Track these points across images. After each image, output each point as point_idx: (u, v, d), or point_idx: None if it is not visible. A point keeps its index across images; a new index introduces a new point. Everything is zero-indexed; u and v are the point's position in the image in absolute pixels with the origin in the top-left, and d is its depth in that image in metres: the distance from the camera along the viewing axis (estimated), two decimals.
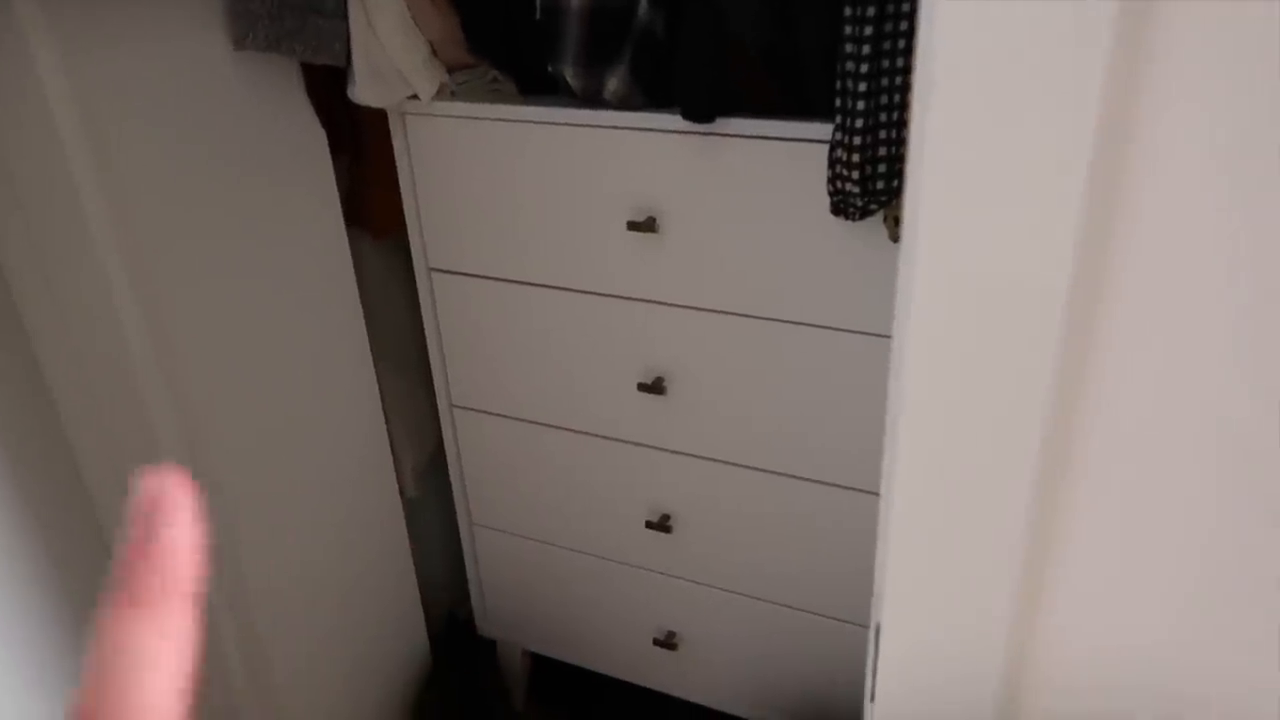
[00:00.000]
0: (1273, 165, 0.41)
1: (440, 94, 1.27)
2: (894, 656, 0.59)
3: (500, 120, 1.25)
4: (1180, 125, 0.41)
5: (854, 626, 1.38)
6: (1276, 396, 0.45)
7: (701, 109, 1.10)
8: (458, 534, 1.65)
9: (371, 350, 1.44)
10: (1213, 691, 0.53)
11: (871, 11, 0.94)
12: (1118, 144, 0.42)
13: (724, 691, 1.56)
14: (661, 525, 1.42)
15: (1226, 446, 0.47)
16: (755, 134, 1.12)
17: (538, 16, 1.16)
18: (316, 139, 1.28)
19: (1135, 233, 0.44)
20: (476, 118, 1.26)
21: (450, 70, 1.28)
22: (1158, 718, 0.55)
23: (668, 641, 1.53)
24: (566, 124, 1.21)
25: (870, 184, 1.02)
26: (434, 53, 1.25)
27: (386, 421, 1.51)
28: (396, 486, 1.56)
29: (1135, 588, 0.52)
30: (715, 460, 1.35)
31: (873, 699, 0.62)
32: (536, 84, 1.25)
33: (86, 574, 1.11)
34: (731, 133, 1.13)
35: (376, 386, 1.47)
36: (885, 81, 0.98)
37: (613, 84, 1.14)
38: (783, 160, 1.11)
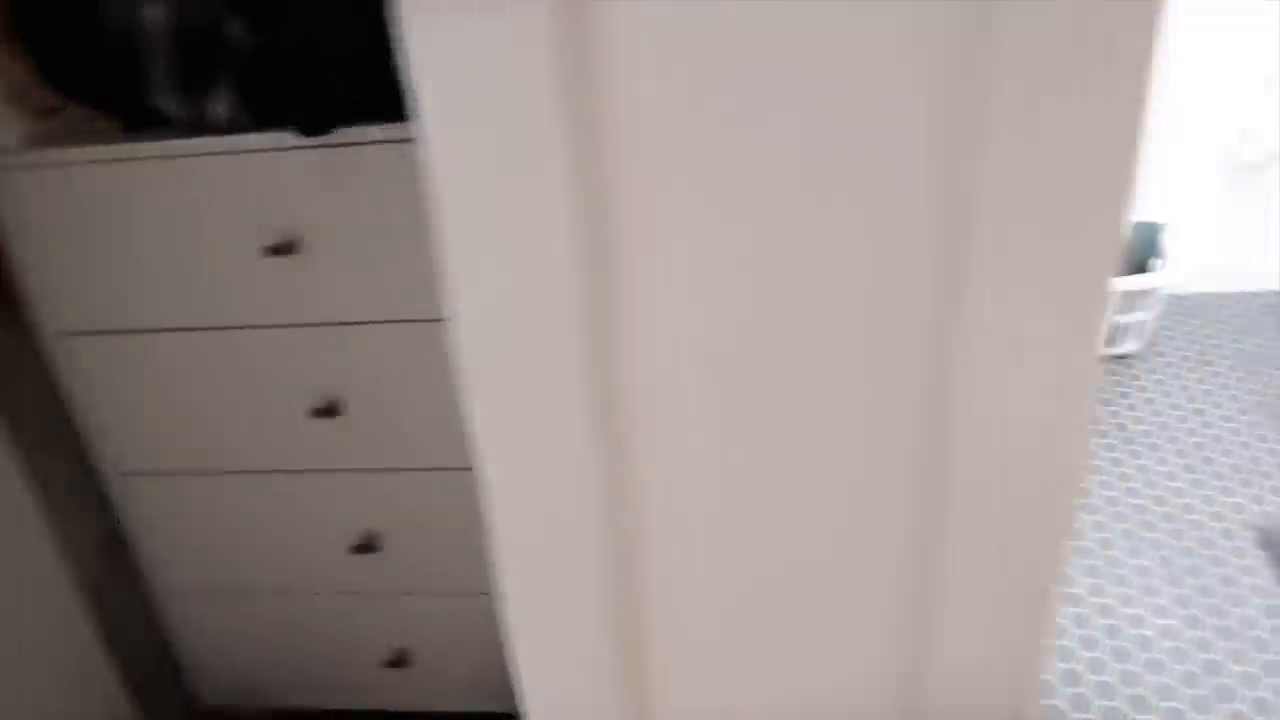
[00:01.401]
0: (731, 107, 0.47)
1: (37, 143, 1.17)
2: (519, 620, 0.62)
3: (105, 161, 1.17)
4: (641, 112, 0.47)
5: None
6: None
7: (314, 122, 1.09)
8: (155, 607, 1.54)
9: (10, 436, 1.31)
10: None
11: None
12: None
13: (465, 692, 1.56)
14: (368, 546, 1.40)
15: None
16: (378, 139, 1.12)
17: (106, 44, 1.09)
18: None
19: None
20: (76, 162, 1.17)
21: (43, 115, 1.18)
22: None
23: (399, 660, 1.51)
24: (180, 155, 1.15)
25: None
26: (17, 98, 1.15)
27: (49, 508, 1.37)
28: (75, 576, 1.42)
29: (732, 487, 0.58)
30: (406, 469, 1.34)
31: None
32: (142, 117, 1.18)
33: None
34: (353, 140, 1.12)
35: (18, 477, 1.33)
36: None
37: (218, 108, 1.10)
38: (413, 161, 1.12)
